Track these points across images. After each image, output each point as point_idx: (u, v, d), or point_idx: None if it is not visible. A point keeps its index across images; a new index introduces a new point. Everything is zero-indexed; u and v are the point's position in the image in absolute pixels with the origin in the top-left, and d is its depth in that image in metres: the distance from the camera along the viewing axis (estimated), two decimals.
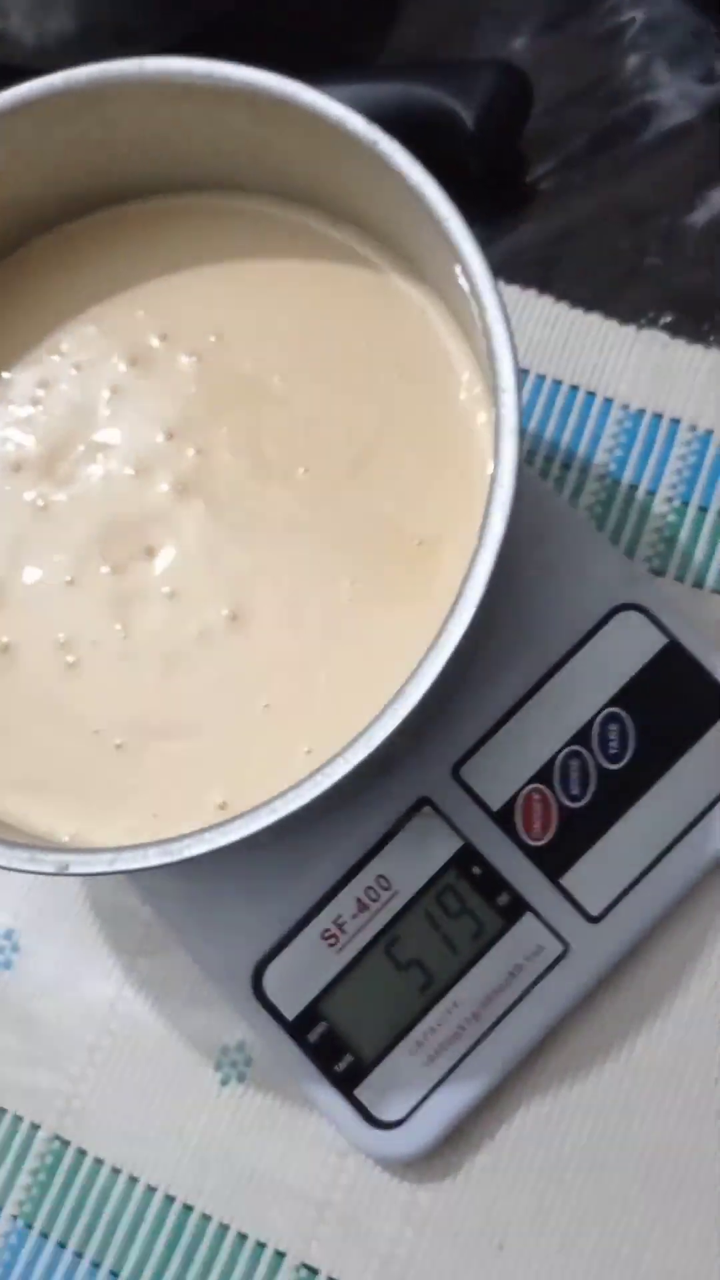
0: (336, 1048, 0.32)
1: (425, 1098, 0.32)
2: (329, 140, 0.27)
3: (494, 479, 0.25)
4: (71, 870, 0.26)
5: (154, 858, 0.25)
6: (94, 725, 0.30)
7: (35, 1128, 0.34)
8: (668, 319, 0.38)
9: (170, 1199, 0.33)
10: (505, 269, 0.39)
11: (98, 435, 0.31)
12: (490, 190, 0.40)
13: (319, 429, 0.31)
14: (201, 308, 0.31)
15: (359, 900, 0.33)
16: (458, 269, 0.26)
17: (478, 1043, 0.32)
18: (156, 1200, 0.33)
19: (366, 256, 0.31)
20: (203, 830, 0.25)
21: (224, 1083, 0.34)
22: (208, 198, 0.32)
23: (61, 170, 0.31)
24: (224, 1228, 0.33)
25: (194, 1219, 0.33)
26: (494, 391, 0.25)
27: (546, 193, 0.40)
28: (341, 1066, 0.32)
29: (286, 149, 0.29)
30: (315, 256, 0.31)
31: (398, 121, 0.36)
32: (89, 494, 0.31)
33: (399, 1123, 0.32)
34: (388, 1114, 0.32)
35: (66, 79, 0.28)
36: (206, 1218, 0.33)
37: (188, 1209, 0.33)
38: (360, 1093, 0.32)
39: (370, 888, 0.33)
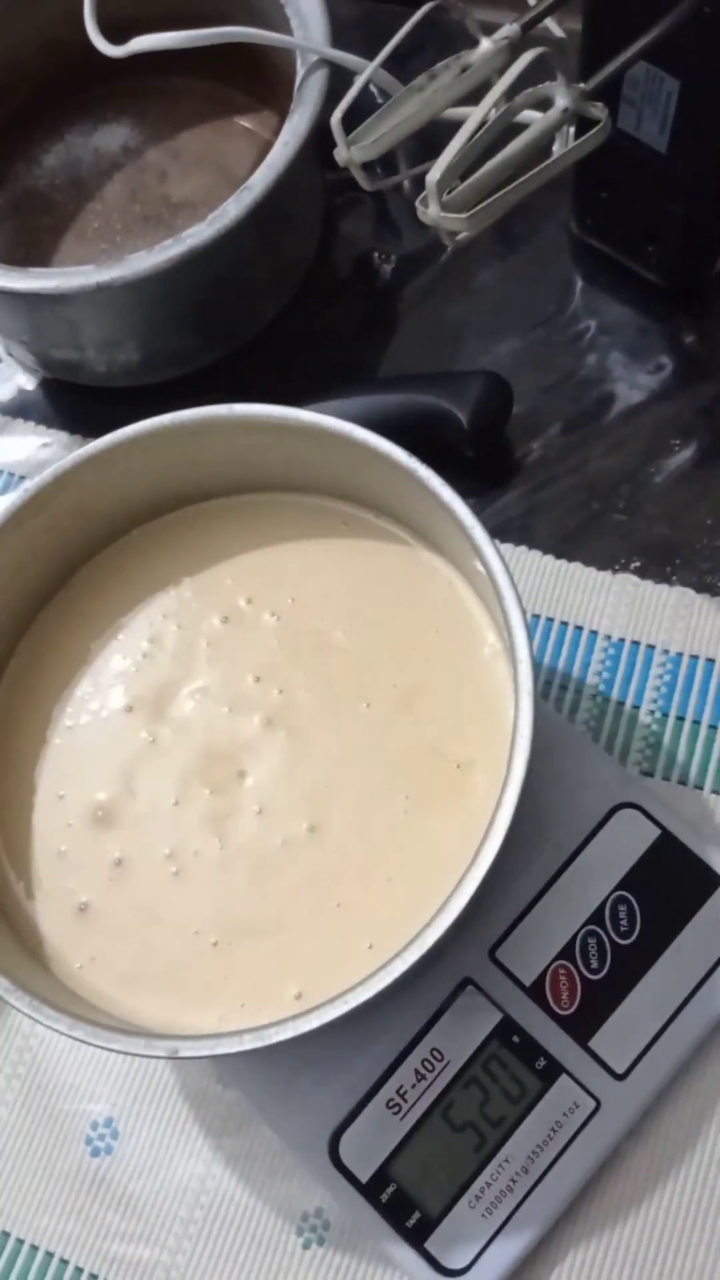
0: (406, 1206, 0.37)
1: (486, 1246, 0.36)
2: (374, 460, 0.35)
3: (515, 730, 0.32)
4: (181, 1054, 0.31)
5: (249, 1042, 0.30)
6: (194, 926, 0.36)
7: None
8: (636, 564, 0.47)
9: None
10: (496, 530, 0.48)
11: (198, 680, 0.38)
12: (482, 467, 0.49)
13: (375, 672, 0.38)
14: (278, 577, 0.39)
15: (417, 1071, 0.38)
16: (478, 564, 0.34)
17: (528, 1194, 0.37)
18: None
19: (403, 537, 0.39)
20: (288, 1019, 0.30)
21: (305, 1246, 0.38)
22: (277, 495, 0.40)
23: (160, 481, 0.39)
24: None
25: None
26: (513, 662, 0.32)
27: (529, 467, 0.49)
28: (412, 1222, 0.37)
29: (339, 463, 0.37)
30: (363, 537, 0.40)
31: (409, 422, 0.46)
32: (191, 729, 0.38)
33: (465, 1270, 0.36)
34: (455, 1263, 0.36)
35: (175, 419, 0.36)
36: None
37: None
38: (430, 1245, 0.37)
39: (426, 1060, 0.38)
